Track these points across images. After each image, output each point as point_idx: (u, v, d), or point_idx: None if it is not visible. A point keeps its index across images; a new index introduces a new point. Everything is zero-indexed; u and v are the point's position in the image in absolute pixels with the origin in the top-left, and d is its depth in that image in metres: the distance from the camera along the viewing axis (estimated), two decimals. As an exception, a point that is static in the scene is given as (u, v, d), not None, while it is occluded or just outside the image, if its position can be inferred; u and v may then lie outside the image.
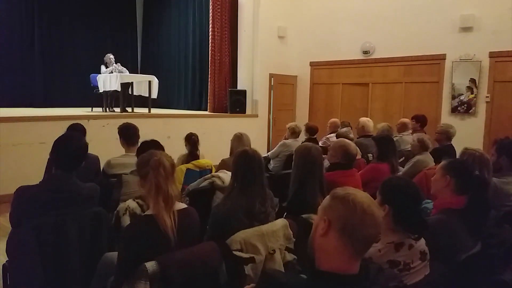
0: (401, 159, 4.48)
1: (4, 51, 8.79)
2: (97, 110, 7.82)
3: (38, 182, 2.25)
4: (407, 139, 5.18)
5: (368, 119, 5.53)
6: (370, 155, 4.64)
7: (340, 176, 2.84)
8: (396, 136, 5.19)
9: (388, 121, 5.78)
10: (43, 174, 3.19)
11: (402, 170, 3.96)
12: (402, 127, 5.53)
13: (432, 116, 6.71)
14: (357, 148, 3.28)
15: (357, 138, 5.25)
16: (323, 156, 2.76)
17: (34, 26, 9.30)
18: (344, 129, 5.41)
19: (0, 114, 5.47)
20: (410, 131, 5.48)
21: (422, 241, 1.80)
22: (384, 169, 3.49)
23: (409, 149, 4.52)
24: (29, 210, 2.12)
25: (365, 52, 8.11)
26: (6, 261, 2.30)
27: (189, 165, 3.84)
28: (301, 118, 8.73)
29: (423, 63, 7.37)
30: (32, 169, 3.51)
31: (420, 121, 5.60)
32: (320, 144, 5.34)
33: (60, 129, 2.55)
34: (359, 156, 3.97)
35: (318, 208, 1.37)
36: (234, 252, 2.00)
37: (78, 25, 10.08)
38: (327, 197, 1.33)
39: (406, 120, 5.68)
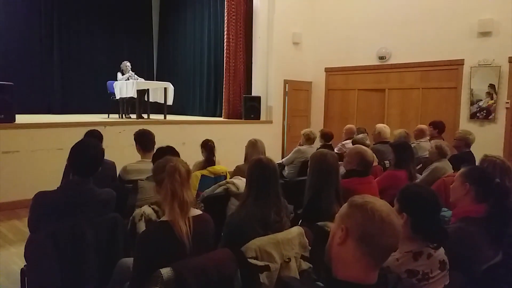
0: (419, 166, 4.42)
1: (23, 59, 9.01)
2: (114, 117, 7.93)
3: (56, 188, 2.28)
4: (425, 146, 5.10)
5: (385, 125, 5.47)
6: (387, 162, 4.59)
7: (356, 183, 2.80)
8: (414, 143, 5.12)
9: (405, 128, 5.70)
10: (61, 179, 3.24)
11: (419, 178, 3.90)
12: (420, 134, 5.46)
13: (450, 122, 6.60)
14: (374, 155, 3.23)
15: (374, 144, 5.20)
16: (339, 162, 2.72)
17: (53, 34, 9.52)
18: (360, 136, 5.37)
19: (19, 121, 5.58)
20: (428, 137, 5.40)
21: (442, 250, 1.76)
22: (401, 176, 3.44)
23: (427, 156, 4.45)
24: (46, 216, 2.14)
25: (381, 58, 8.05)
26: (24, 266, 2.33)
27: (204, 172, 3.85)
28: (316, 124, 8.69)
29: (440, 68, 7.26)
30: (50, 175, 3.56)
31: (438, 128, 5.51)
32: (335, 150, 5.32)
33: (78, 135, 2.59)
34: (375, 163, 3.92)
35: (334, 215, 1.35)
36: (249, 260, 1.99)
37: (95, 33, 10.28)
38: (345, 205, 1.32)
39: (424, 126, 5.60)
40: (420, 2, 7.43)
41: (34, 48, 9.30)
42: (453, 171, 3.71)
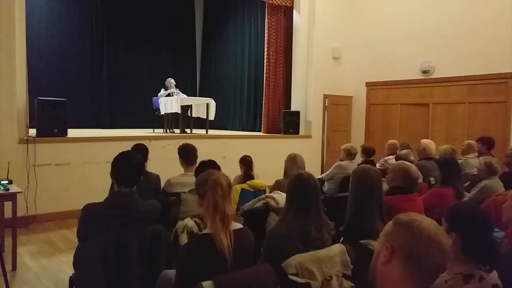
0: (466, 184, 4.21)
1: (75, 76, 9.52)
2: (159, 131, 8.18)
3: (103, 199, 2.36)
4: (473, 162, 4.86)
5: (430, 141, 5.28)
6: (432, 179, 4.41)
7: (400, 201, 2.71)
8: (461, 159, 4.91)
9: (451, 144, 5.49)
10: (109, 191, 3.36)
11: (468, 196, 3.71)
12: (467, 149, 5.22)
13: (499, 138, 6.26)
14: (419, 171, 3.11)
15: (418, 160, 5.03)
16: (382, 179, 2.65)
17: (103, 53, 10.02)
18: (404, 151, 5.21)
19: (70, 135, 5.88)
20: (476, 154, 5.15)
21: (495, 274, 1.65)
22: (448, 194, 3.29)
23: (475, 173, 4.24)
24: (94, 226, 2.22)
25: (425, 72, 7.84)
26: (72, 274, 2.42)
27: (244, 185, 3.88)
28: (357, 139, 8.54)
29: (488, 82, 6.95)
30: (98, 186, 3.71)
31: (487, 144, 5.25)
32: (377, 166, 5.21)
33: (125, 148, 2.68)
34: (420, 180, 3.78)
35: (377, 233, 1.31)
36: (290, 277, 1.96)
37: (142, 52, 10.71)
38: (390, 222, 1.27)
39: (472, 142, 5.35)
40: (465, 14, 7.19)
41: (85, 66, 9.81)
42: (504, 189, 3.51)
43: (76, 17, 9.58)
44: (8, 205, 3.91)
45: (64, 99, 5.86)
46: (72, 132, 6.09)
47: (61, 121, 5.71)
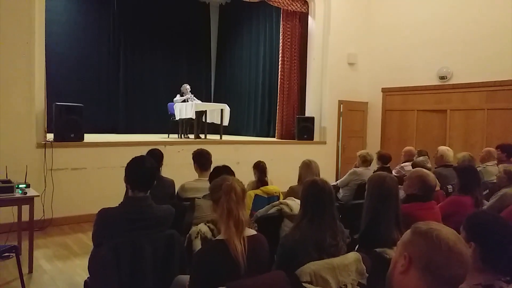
0: (485, 192, 4.11)
1: (93, 83, 9.70)
2: (173, 137, 8.24)
3: (118, 204, 2.38)
4: (492, 170, 4.77)
5: (448, 148, 5.21)
6: (450, 186, 4.35)
7: (417, 209, 2.66)
8: (479, 167, 4.81)
9: (469, 151, 5.38)
10: (124, 196, 3.39)
11: (487, 204, 3.63)
12: (487, 157, 5.13)
13: (520, 145, 6.11)
14: (436, 179, 3.06)
15: (436, 168, 4.96)
16: (398, 186, 2.61)
17: (120, 59, 10.18)
18: (421, 158, 5.14)
19: (87, 140, 5.97)
20: (495, 161, 5.04)
21: (516, 285, 1.60)
22: (466, 202, 3.23)
23: (494, 181, 4.15)
24: (109, 231, 2.23)
25: (442, 78, 7.74)
26: (87, 278, 2.44)
27: (258, 191, 3.88)
28: (372, 146, 8.45)
29: (507, 88, 6.82)
30: (114, 191, 3.75)
31: (507, 151, 5.14)
32: (393, 173, 5.14)
33: (140, 154, 2.70)
34: (438, 188, 3.72)
35: (393, 242, 1.30)
36: (304, 284, 1.93)
37: (157, 58, 10.85)
38: (408, 231, 1.25)
39: (492, 149, 5.25)
40: (484, 18, 7.08)
41: (102, 73, 9.98)
42: (525, 198, 3.42)
43: (94, 25, 9.79)
44: (25, 208, 3.98)
45: (81, 105, 5.97)
46: (88, 137, 6.18)
47: (78, 126, 5.80)
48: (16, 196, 3.83)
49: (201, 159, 3.73)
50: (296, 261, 2.03)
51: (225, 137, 8.28)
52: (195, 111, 7.60)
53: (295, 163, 4.29)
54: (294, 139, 8.50)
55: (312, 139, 8.39)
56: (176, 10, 10.86)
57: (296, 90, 8.96)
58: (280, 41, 8.86)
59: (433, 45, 7.81)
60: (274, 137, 9.17)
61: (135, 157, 2.45)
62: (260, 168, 4.11)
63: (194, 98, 8.31)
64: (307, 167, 3.82)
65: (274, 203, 3.30)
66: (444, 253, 1.13)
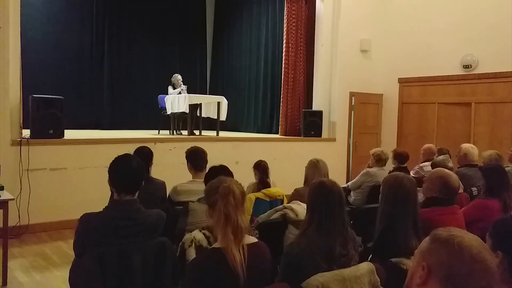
0: (515, 195, 4.13)
1: (74, 73, 9.69)
2: (164, 133, 8.27)
3: (102, 209, 2.38)
4: (522, 170, 4.77)
5: (472, 145, 5.22)
6: (474, 189, 4.37)
7: (438, 214, 2.68)
8: (508, 166, 4.82)
9: (496, 148, 5.39)
10: (109, 199, 3.39)
11: (516, 208, 3.63)
12: (516, 155, 5.13)
13: (554, 142, 6.14)
14: (459, 180, 3.07)
15: (458, 168, 4.97)
16: (417, 188, 2.62)
17: (104, 46, 10.18)
18: (442, 157, 5.16)
19: (67, 137, 5.97)
20: (526, 160, 5.05)
21: (548, 299, 1.61)
22: (493, 206, 3.24)
23: (525, 182, 4.15)
24: (92, 239, 2.24)
25: (466, 67, 7.74)
26: (69, 291, 2.45)
27: (259, 194, 3.89)
28: (388, 143, 8.46)
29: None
30: (97, 194, 3.75)
31: (539, 149, 5.14)
32: (411, 174, 5.16)
33: (127, 152, 2.70)
34: (461, 190, 3.73)
35: (410, 251, 1.31)
36: (311, 298, 1.94)
37: (147, 45, 10.85)
38: (426, 239, 1.26)
39: (521, 147, 5.25)
40: (514, 0, 7.08)
41: (84, 61, 9.98)
42: (559, 201, 3.42)
43: (76, 7, 9.79)
44: (-2, 213, 3.99)
45: (61, 97, 5.97)
46: (69, 134, 6.18)
47: (58, 121, 5.81)
48: (-12, 199, 3.84)
49: (196, 158, 3.73)
50: (302, 272, 2.04)
51: (222, 134, 8.29)
52: (189, 104, 7.59)
53: (300, 162, 4.31)
54: (300, 136, 8.52)
55: (320, 136, 8.40)
56: (167, -10, 10.87)
57: (303, 81, 8.96)
58: (284, 25, 8.85)
59: (457, 30, 7.80)
60: (277, 133, 9.19)
61: (120, 156, 2.45)
62: (261, 169, 4.12)
63: (185, 90, 8.26)
64: (315, 167, 3.83)
65: (277, 207, 3.32)
66: (467, 263, 1.14)
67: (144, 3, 10.58)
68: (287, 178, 5.33)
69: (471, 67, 7.70)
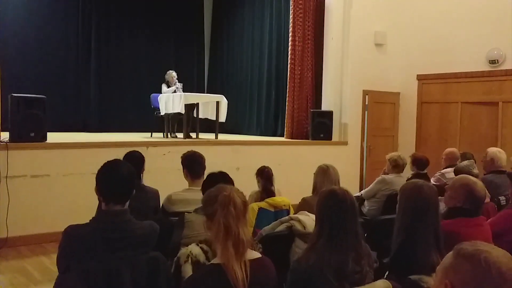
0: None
1: (57, 70, 9.75)
2: (157, 136, 8.30)
3: (89, 220, 2.39)
4: (556, 178, 4.76)
5: (499, 149, 5.23)
6: (502, 197, 4.38)
7: (462, 226, 2.68)
8: (540, 173, 4.81)
9: (527, 153, 5.39)
10: (96, 210, 3.40)
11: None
12: (549, 161, 5.13)
13: None
14: (485, 189, 3.07)
15: (485, 174, 4.99)
16: (438, 197, 2.62)
17: (91, 40, 10.24)
18: (466, 162, 5.16)
19: (50, 140, 5.99)
20: (560, 166, 5.05)
21: None
22: (524, 217, 3.23)
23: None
24: (78, 254, 2.24)
25: (493, 62, 7.74)
26: (52, 311, 2.45)
27: (262, 204, 3.90)
28: (406, 147, 8.44)
29: None
30: (83, 203, 3.77)
31: None
32: (432, 181, 5.18)
33: (117, 157, 2.71)
34: (487, 199, 3.72)
35: (431, 267, 1.31)
36: (320, 319, 1.95)
37: (138, 39, 10.90)
38: (449, 254, 1.26)
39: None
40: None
41: (69, 57, 10.04)
42: None
43: (60, -1, 9.82)
44: (-26, 225, 4.01)
45: (43, 96, 5.99)
46: (52, 137, 6.20)
47: (40, 122, 5.82)
48: (-37, 210, 3.86)
49: (192, 164, 3.74)
50: (311, 291, 2.04)
51: (222, 137, 8.30)
52: (185, 104, 7.61)
53: (308, 168, 4.31)
54: (308, 139, 8.52)
55: (330, 139, 8.40)
56: (160, -21, 10.93)
57: (311, 78, 8.97)
58: (291, 16, 8.87)
59: (481, 22, 7.81)
60: (283, 136, 9.19)
61: (108, 161, 2.46)
62: (265, 175, 4.13)
63: (181, 88, 8.28)
64: (324, 174, 3.84)
65: (282, 218, 3.32)
66: (494, 280, 1.14)
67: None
68: (293, 186, 5.34)
69: (497, 62, 7.70)
